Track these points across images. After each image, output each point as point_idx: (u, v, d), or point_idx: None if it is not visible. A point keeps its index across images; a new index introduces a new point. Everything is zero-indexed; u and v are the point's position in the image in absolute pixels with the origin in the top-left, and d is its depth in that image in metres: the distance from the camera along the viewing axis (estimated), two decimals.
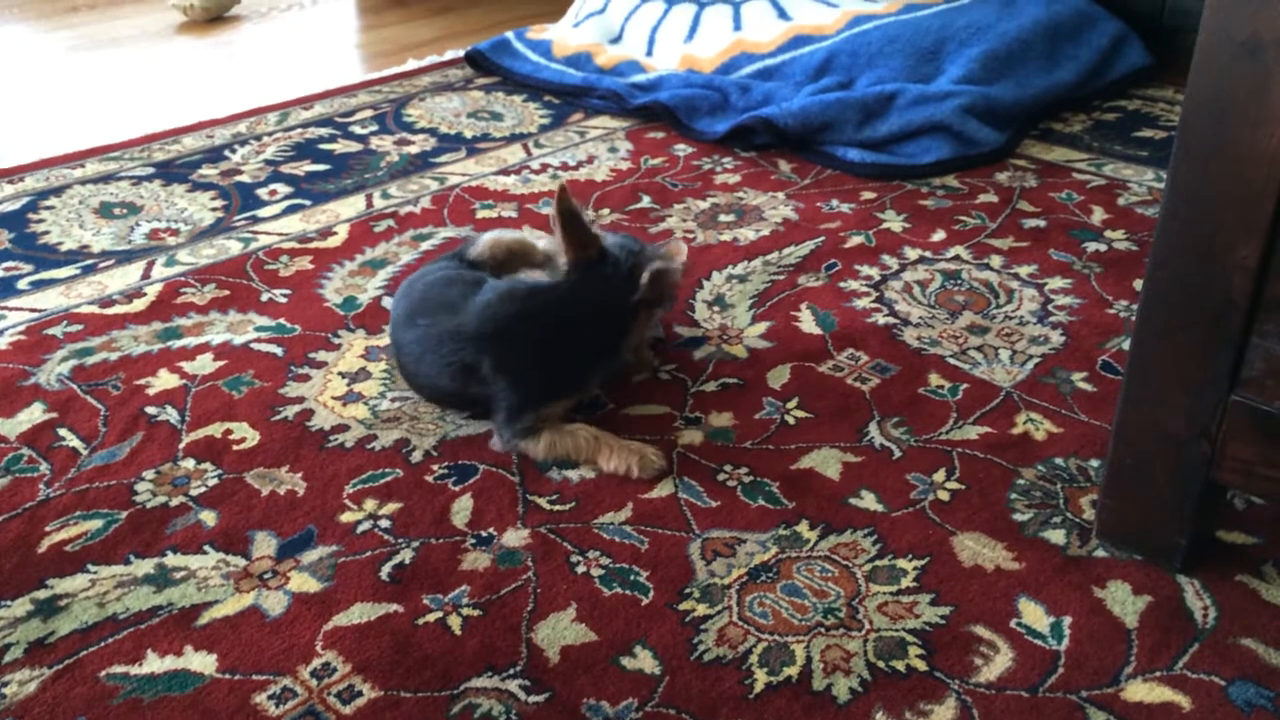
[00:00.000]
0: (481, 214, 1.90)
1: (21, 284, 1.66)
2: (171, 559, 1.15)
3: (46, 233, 1.82)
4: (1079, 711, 0.99)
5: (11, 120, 2.41)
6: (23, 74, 2.70)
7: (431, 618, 1.09)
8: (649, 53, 2.52)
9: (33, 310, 1.59)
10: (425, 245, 1.79)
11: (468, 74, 2.60)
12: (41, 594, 1.10)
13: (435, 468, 1.29)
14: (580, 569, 1.15)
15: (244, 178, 2.04)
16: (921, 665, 1.03)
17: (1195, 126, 0.98)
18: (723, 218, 1.89)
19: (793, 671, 1.03)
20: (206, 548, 1.16)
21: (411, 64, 2.67)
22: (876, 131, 2.07)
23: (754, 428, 1.37)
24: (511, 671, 1.03)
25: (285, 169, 2.08)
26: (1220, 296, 1.00)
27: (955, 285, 1.68)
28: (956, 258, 1.76)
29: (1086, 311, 1.60)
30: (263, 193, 1.98)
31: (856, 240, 1.81)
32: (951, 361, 1.49)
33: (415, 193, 1.99)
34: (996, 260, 1.75)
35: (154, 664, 1.03)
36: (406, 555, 1.16)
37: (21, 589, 1.11)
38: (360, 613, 1.09)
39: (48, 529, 1.18)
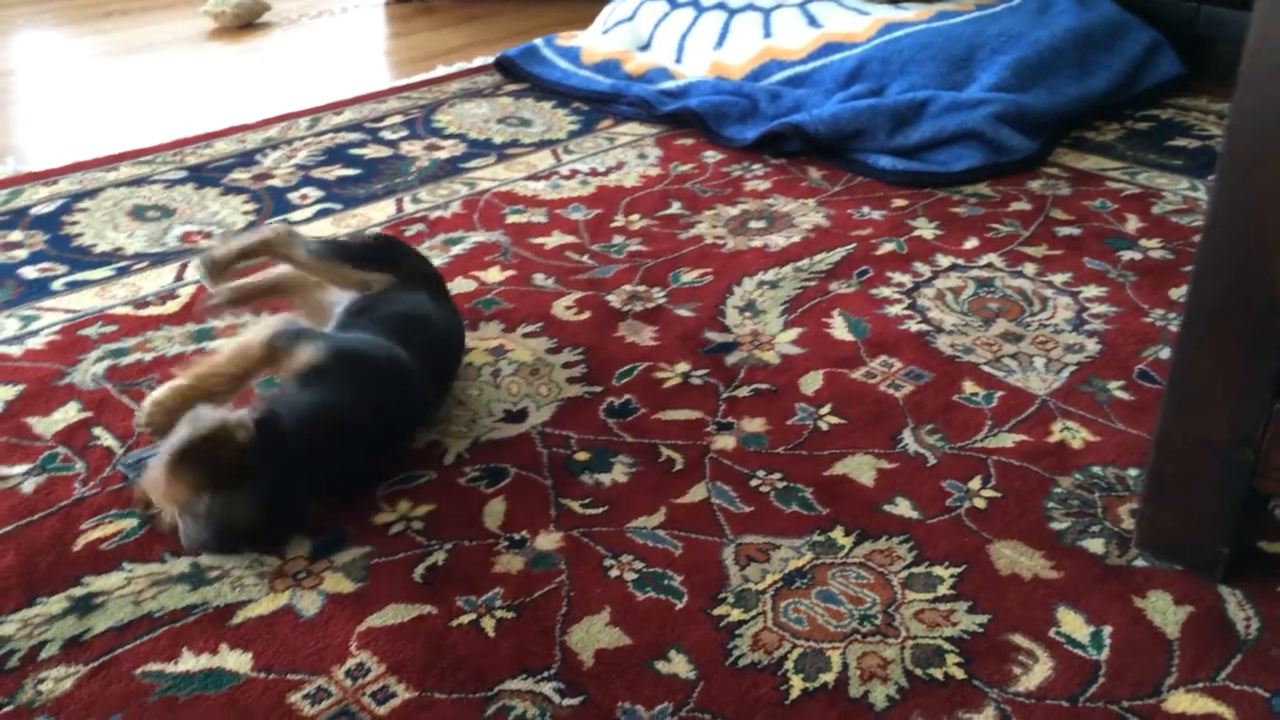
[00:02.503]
0: (511, 219, 1.90)
1: (57, 285, 1.67)
2: (206, 558, 1.15)
3: (81, 235, 1.83)
4: None
5: (46, 124, 2.43)
6: (56, 78, 2.73)
7: (465, 619, 1.08)
8: (678, 60, 2.53)
9: (68, 311, 1.60)
10: (456, 250, 1.79)
11: (497, 80, 2.60)
12: (77, 591, 1.10)
13: (467, 470, 1.29)
14: (613, 573, 1.14)
15: (276, 182, 2.05)
16: (960, 673, 1.02)
17: (1241, 133, 0.97)
18: (753, 224, 1.89)
19: (829, 678, 1.02)
20: (239, 548, 1.16)
21: (441, 70, 2.68)
22: (908, 139, 2.06)
23: (787, 433, 1.36)
24: (546, 674, 1.02)
25: (316, 173, 2.08)
26: (1265, 303, 0.99)
27: (988, 293, 1.66)
28: (989, 265, 1.75)
29: (1122, 320, 1.59)
30: (294, 197, 1.99)
31: (888, 247, 1.80)
32: (986, 369, 1.48)
33: (445, 197, 1.99)
34: (1030, 268, 1.74)
35: (189, 662, 1.03)
36: (439, 557, 1.16)
37: (57, 586, 1.11)
38: (394, 614, 1.09)
39: (83, 527, 1.19)
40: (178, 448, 1.11)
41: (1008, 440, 1.34)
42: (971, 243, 1.82)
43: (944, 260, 1.76)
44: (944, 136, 2.05)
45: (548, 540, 1.19)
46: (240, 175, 2.07)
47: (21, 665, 1.02)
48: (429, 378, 1.34)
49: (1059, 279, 1.70)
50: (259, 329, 1.28)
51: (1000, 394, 1.42)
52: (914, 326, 1.58)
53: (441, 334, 1.41)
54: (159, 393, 1.24)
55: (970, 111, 2.06)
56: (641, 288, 1.68)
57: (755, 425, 1.37)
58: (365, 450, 1.25)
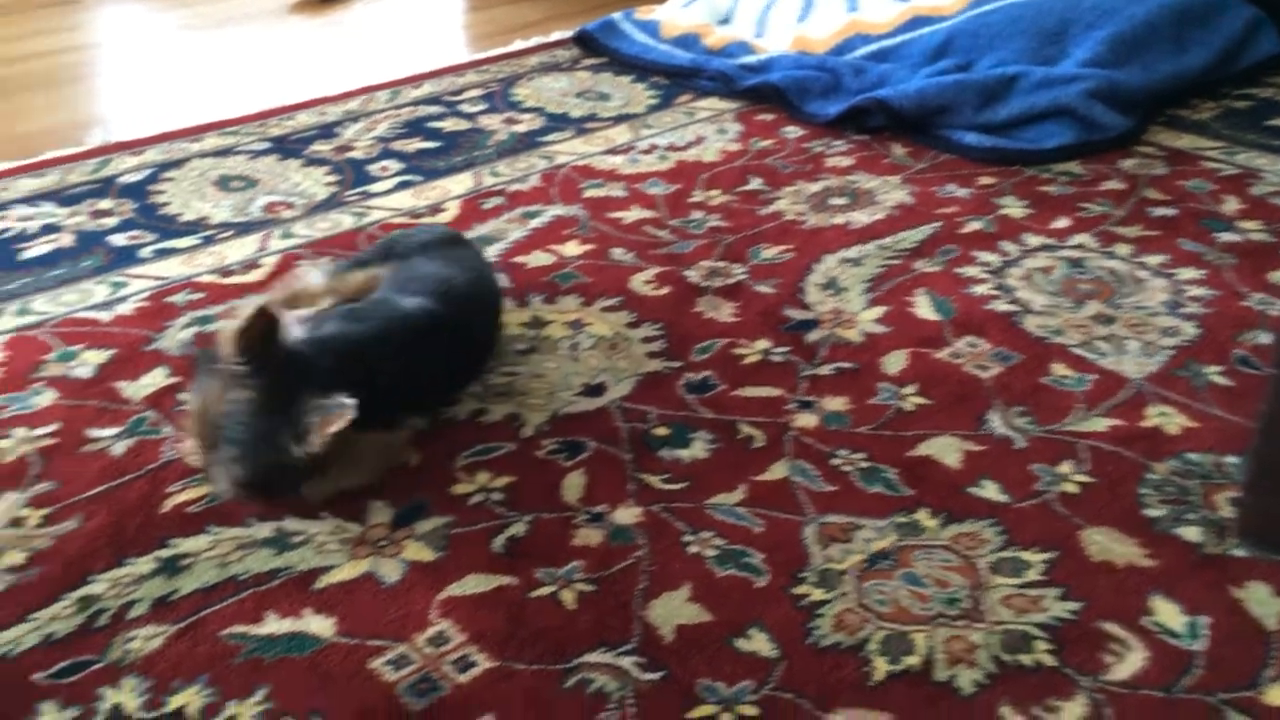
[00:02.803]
0: (590, 193, 1.89)
1: (144, 252, 1.70)
2: (290, 523, 1.16)
3: (168, 203, 1.86)
4: (1216, 713, 0.95)
5: (132, 96, 2.48)
6: (141, 51, 2.77)
7: (544, 591, 1.08)
8: (759, 34, 2.49)
9: (155, 278, 1.63)
10: (534, 223, 1.79)
11: (575, 54, 2.59)
12: (165, 553, 1.12)
13: (545, 443, 1.29)
14: (693, 549, 1.13)
15: (356, 154, 2.06)
16: (1050, 661, 1.00)
17: None
18: (834, 201, 1.86)
19: (914, 661, 1.00)
20: (323, 513, 1.17)
21: (519, 44, 2.67)
22: (996, 115, 2.01)
23: (869, 413, 1.33)
24: (625, 648, 1.02)
25: (396, 146, 2.09)
26: None
27: (1079, 273, 1.62)
28: (1080, 246, 1.70)
29: (1220, 304, 1.53)
30: (374, 169, 2.00)
31: (974, 226, 1.76)
32: (1076, 351, 1.43)
33: (524, 170, 1.99)
34: (1123, 249, 1.68)
35: (273, 625, 1.04)
36: (519, 529, 1.16)
37: (145, 547, 1.13)
38: (474, 584, 1.09)
39: (169, 490, 1.21)
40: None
41: (1100, 424, 1.30)
42: (1062, 222, 1.77)
43: (1033, 240, 1.72)
44: (1034, 113, 1.99)
45: (627, 514, 1.18)
46: (322, 147, 2.09)
47: (111, 624, 1.04)
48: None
49: (1154, 261, 1.65)
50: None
51: (1092, 377, 1.38)
52: (1001, 307, 1.54)
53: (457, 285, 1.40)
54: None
55: (1063, 88, 2.00)
56: (721, 263, 1.66)
57: (837, 404, 1.35)
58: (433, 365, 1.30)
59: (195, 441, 1.19)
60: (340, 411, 1.10)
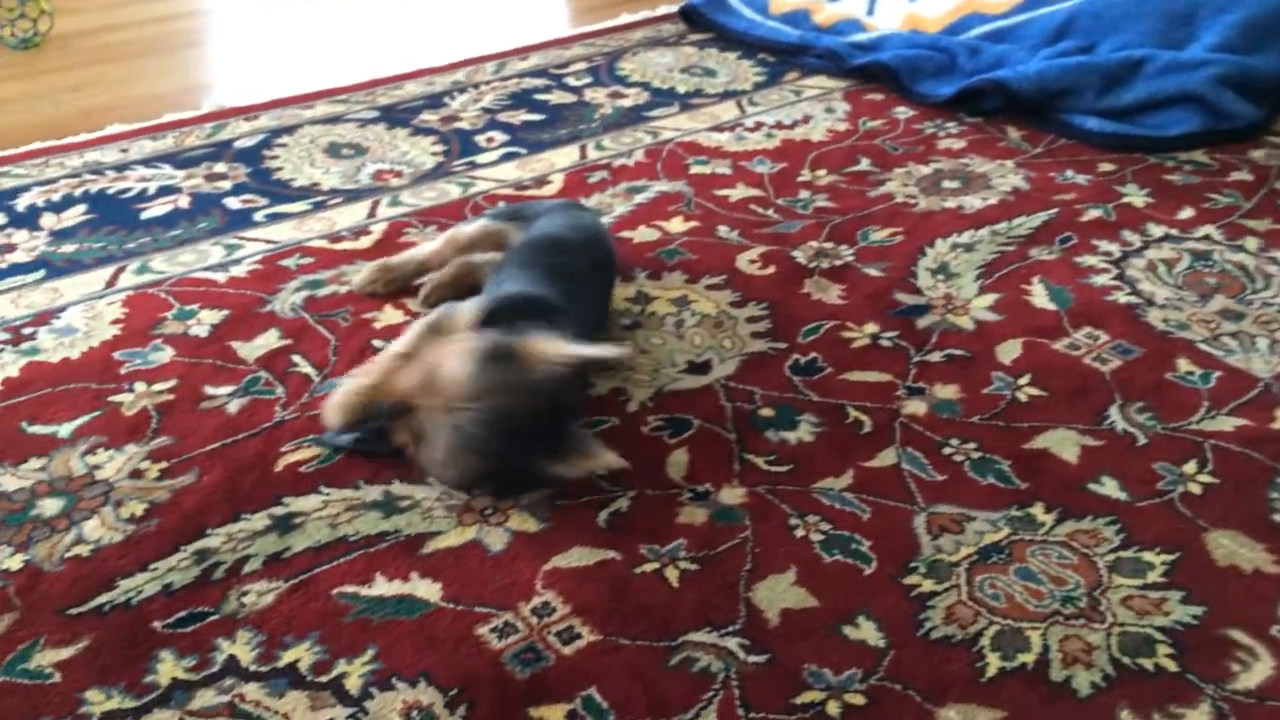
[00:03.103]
0: (695, 169, 1.87)
1: (258, 216, 1.73)
2: (398, 488, 1.17)
3: (280, 169, 1.89)
4: None
5: (243, 61, 2.52)
6: (249, 19, 2.82)
7: (649, 568, 1.07)
8: (870, 11, 2.43)
9: (268, 241, 1.66)
10: (639, 198, 1.78)
11: (681, 29, 2.56)
12: (278, 510, 1.14)
13: (650, 419, 1.28)
14: (799, 533, 1.12)
15: (463, 124, 2.07)
16: (1172, 665, 0.96)
17: None
18: (946, 184, 1.81)
19: (1028, 659, 0.97)
20: (430, 480, 1.18)
21: (625, 18, 2.65)
22: (1120, 99, 1.94)
23: (982, 402, 1.30)
24: (730, 629, 1.01)
25: (502, 117, 2.10)
26: None
27: (1206, 266, 1.55)
28: (1206, 237, 1.63)
29: None
30: (481, 139, 2.01)
31: (1094, 214, 1.70)
32: (1202, 347, 1.38)
33: (629, 145, 1.98)
34: (1252, 242, 1.61)
35: (382, 587, 1.05)
36: (624, 504, 1.15)
37: (259, 504, 1.15)
38: (579, 556, 1.09)
39: (283, 449, 1.23)
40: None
41: (1226, 424, 1.25)
42: (1187, 213, 1.70)
43: (1156, 230, 1.65)
44: (1160, 98, 1.92)
45: (731, 495, 1.17)
46: (429, 117, 2.10)
47: (226, 577, 1.06)
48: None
49: None
50: (419, 321, 1.29)
51: (1218, 374, 1.33)
52: (1122, 298, 1.49)
53: (572, 242, 1.42)
54: (339, 395, 1.21)
55: (1190, 73, 1.92)
56: (828, 245, 1.64)
57: (948, 392, 1.32)
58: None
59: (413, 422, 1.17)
60: (601, 456, 1.14)
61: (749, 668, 0.97)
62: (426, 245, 1.55)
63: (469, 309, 1.26)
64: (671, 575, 1.07)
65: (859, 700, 0.94)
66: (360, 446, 1.21)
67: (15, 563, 1.07)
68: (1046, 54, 2.06)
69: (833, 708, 0.93)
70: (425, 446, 1.15)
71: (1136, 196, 1.75)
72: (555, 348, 1.14)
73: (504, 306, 1.25)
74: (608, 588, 1.05)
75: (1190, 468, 1.18)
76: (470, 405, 1.11)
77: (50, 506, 1.14)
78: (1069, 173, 1.83)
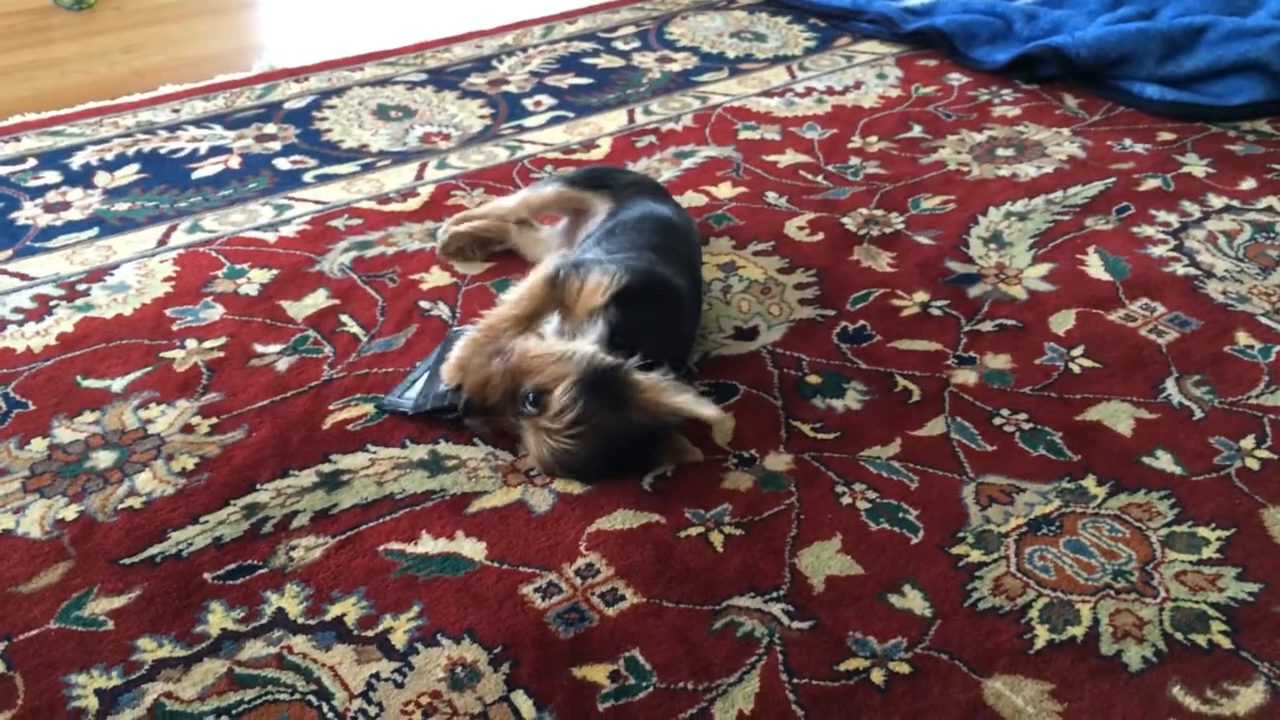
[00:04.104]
0: (744, 135, 1.85)
1: (307, 177, 1.74)
2: (444, 447, 1.17)
3: (329, 130, 1.89)
4: None
5: (293, 23, 2.52)
6: None
7: (693, 531, 1.07)
8: None
9: (317, 202, 1.66)
10: (687, 163, 1.76)
11: None
12: (326, 468, 1.15)
13: (696, 384, 1.27)
14: (845, 500, 1.11)
15: (510, 88, 2.06)
16: (1226, 642, 0.95)
17: None
18: (1000, 152, 1.78)
19: (1077, 632, 0.96)
20: (476, 440, 1.18)
21: None
22: (1181, 67, 1.89)
23: (1034, 373, 1.28)
24: (774, 595, 1.00)
25: (550, 81, 2.09)
26: None
27: (1268, 239, 1.52)
28: (1269, 209, 1.59)
29: None
30: (528, 103, 2.00)
31: (1152, 183, 1.66)
32: (1263, 320, 1.35)
33: (677, 110, 1.96)
34: None
35: (428, 545, 1.06)
36: (668, 467, 1.15)
37: (308, 461, 1.16)
38: (623, 519, 1.09)
39: (331, 408, 1.24)
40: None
41: None
42: (1248, 183, 1.66)
43: (1216, 201, 1.62)
44: (1222, 66, 1.87)
45: (777, 461, 1.16)
46: (477, 80, 2.09)
47: (275, 531, 1.07)
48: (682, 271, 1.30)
49: None
50: (536, 271, 1.24)
51: (1279, 348, 1.30)
52: (1180, 270, 1.46)
53: (681, 227, 1.39)
54: (459, 350, 1.18)
55: (1255, 40, 1.87)
56: (879, 212, 1.61)
57: (999, 362, 1.30)
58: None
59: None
60: (690, 451, 1.15)
61: (793, 634, 0.97)
62: (503, 201, 1.53)
63: (596, 280, 1.19)
64: (716, 540, 1.06)
65: (904, 669, 0.93)
66: (422, 414, 1.20)
67: (70, 513, 1.09)
68: (1105, 20, 2.02)
69: (877, 675, 0.93)
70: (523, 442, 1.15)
71: (1196, 166, 1.71)
72: (662, 395, 1.09)
73: (633, 285, 1.18)
74: (652, 550, 1.05)
75: (1248, 443, 1.16)
76: (568, 430, 1.09)
77: (104, 459, 1.16)
78: (1127, 141, 1.79)
